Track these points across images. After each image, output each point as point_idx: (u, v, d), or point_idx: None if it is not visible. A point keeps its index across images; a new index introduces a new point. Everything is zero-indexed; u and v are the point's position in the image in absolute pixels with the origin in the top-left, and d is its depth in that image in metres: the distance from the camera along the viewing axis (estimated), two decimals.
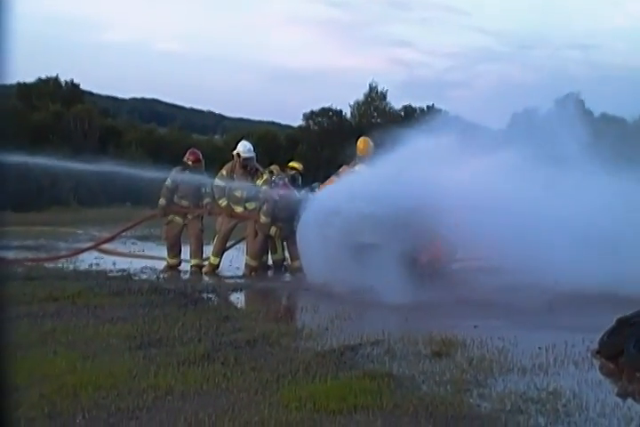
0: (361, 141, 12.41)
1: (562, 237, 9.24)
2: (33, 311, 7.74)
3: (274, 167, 12.61)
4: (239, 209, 12.02)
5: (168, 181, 12.11)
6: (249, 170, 12.20)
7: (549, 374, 5.76)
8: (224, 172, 12.14)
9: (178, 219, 12.20)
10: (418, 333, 6.94)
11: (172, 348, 6.40)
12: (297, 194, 11.73)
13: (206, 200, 12.14)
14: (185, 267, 12.24)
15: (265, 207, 11.62)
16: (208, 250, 12.25)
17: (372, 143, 12.26)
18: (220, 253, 12.12)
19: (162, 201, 12.13)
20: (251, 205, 11.97)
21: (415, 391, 5.21)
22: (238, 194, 12.06)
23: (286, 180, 11.90)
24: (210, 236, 12.50)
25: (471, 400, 5.08)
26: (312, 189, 11.91)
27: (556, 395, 5.17)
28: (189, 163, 12.20)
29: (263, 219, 11.63)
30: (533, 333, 7.23)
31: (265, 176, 11.99)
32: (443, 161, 10.36)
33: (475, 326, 7.38)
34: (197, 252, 12.16)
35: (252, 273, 11.65)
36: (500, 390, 5.29)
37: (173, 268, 12.18)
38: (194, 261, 12.15)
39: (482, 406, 4.96)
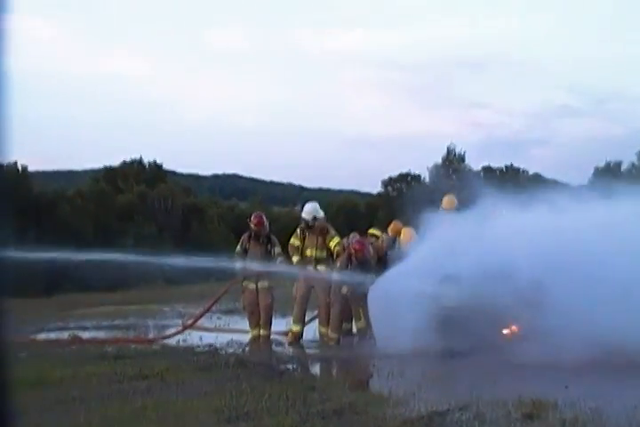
0: (446, 199, 12.51)
1: None
2: (124, 389, 7.87)
3: (353, 235, 12.74)
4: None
5: (238, 248, 12.44)
6: (318, 231, 12.26)
7: None
8: (298, 231, 12.34)
9: (252, 285, 12.34)
10: (507, 395, 6.80)
11: (261, 420, 6.40)
12: (371, 252, 11.76)
13: (279, 259, 12.29)
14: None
15: (338, 264, 11.65)
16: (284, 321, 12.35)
17: (456, 200, 12.32)
18: (300, 319, 12.17)
19: (238, 264, 12.36)
20: (322, 268, 12.11)
21: None
22: (309, 253, 12.21)
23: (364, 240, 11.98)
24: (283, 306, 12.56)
25: None
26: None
27: None
28: (252, 226, 12.41)
29: (335, 275, 11.64)
30: (627, 391, 7.01)
31: (337, 239, 12.10)
32: (528, 219, 10.31)
33: (566, 387, 7.20)
34: (267, 323, 12.26)
35: (332, 343, 11.63)
36: None
37: (257, 339, 12.26)
38: (262, 332, 12.24)
39: None
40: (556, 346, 8.62)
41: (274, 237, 12.54)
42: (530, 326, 9.68)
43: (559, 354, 8.54)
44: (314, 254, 12.20)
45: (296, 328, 12.13)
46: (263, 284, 12.34)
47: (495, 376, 7.83)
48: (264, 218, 12.56)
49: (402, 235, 12.40)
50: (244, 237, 12.49)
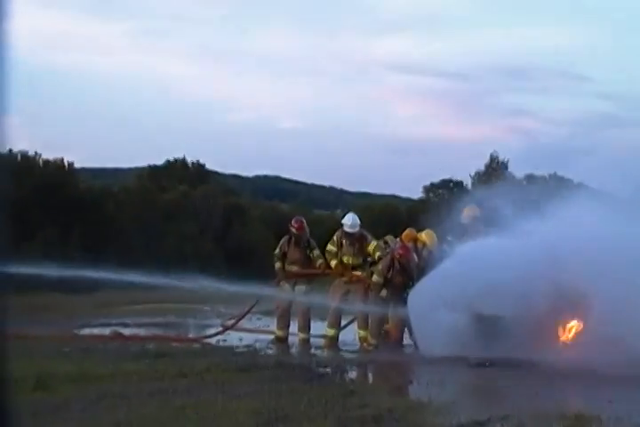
0: (467, 209, 12.47)
1: None
2: (164, 388, 7.90)
3: (389, 237, 12.74)
4: (346, 278, 12.14)
5: (277, 250, 12.52)
6: (356, 238, 12.24)
7: None
8: (335, 238, 12.32)
9: (287, 286, 12.42)
10: (549, 407, 6.71)
11: (299, 424, 6.38)
12: (415, 259, 11.72)
13: (319, 261, 12.35)
14: (293, 340, 12.39)
15: (380, 266, 11.62)
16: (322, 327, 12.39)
17: (478, 212, 12.25)
18: (335, 324, 12.20)
19: (277, 264, 12.50)
20: (359, 273, 12.10)
21: None
22: (345, 260, 12.20)
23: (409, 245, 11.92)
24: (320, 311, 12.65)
25: None
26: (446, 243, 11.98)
27: None
28: (293, 230, 12.45)
29: (376, 278, 11.59)
30: None
31: (375, 242, 12.09)
32: (572, 228, 10.19)
33: (609, 402, 7.07)
34: (304, 326, 12.32)
35: (371, 348, 11.60)
36: None
37: (281, 340, 12.30)
38: (301, 335, 12.31)
39: None
40: (599, 358, 8.50)
41: (313, 241, 12.63)
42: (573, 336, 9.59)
43: (603, 366, 8.43)
44: (351, 261, 12.22)
45: (331, 333, 12.16)
46: (300, 288, 12.39)
47: (537, 388, 7.71)
48: (305, 223, 12.62)
49: (426, 238, 12.34)
50: (284, 240, 12.56)
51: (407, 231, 12.82)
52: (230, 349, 11.58)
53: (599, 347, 8.76)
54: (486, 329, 9.91)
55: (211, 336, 12.82)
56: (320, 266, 12.39)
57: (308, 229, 12.59)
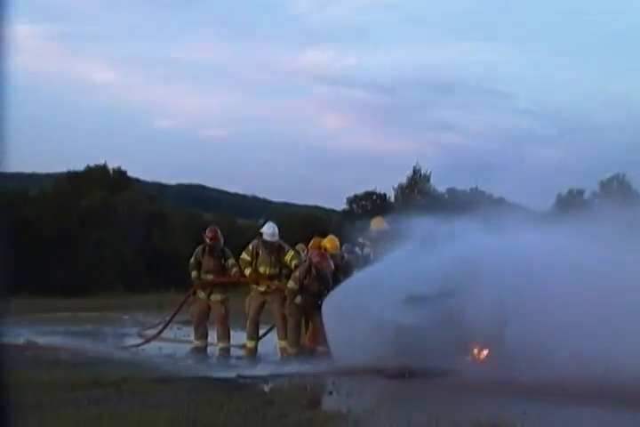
0: (374, 220, 12.84)
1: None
2: (78, 398, 7.73)
3: (299, 246, 12.79)
4: (263, 287, 12.11)
5: (192, 260, 12.51)
6: (274, 247, 12.25)
7: None
8: (250, 247, 12.28)
9: (202, 295, 12.38)
10: (465, 417, 6.79)
11: None
12: (331, 265, 11.77)
13: (234, 270, 12.31)
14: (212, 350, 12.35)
15: (297, 273, 11.62)
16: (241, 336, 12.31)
17: (385, 224, 12.61)
18: (254, 336, 12.18)
19: (193, 273, 12.50)
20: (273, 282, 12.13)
21: None
22: (262, 270, 12.18)
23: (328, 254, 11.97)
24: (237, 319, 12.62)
25: None
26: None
27: None
28: (207, 240, 12.44)
29: (291, 284, 11.60)
30: (586, 419, 7.02)
31: (292, 252, 12.12)
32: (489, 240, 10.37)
33: (524, 413, 7.19)
34: (224, 336, 12.29)
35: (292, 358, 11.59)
36: None
37: (200, 350, 12.20)
38: (221, 345, 12.26)
39: None
40: (515, 369, 8.65)
41: (227, 250, 12.63)
42: (490, 347, 9.73)
43: (518, 377, 8.57)
44: (267, 271, 12.20)
45: (250, 344, 12.13)
46: (216, 297, 12.34)
47: (454, 398, 7.82)
48: (219, 232, 12.58)
49: (327, 244, 12.46)
50: (199, 249, 12.56)
51: (314, 240, 12.89)
52: (149, 358, 11.42)
53: (514, 361, 8.90)
54: (404, 340, 9.99)
55: (136, 346, 12.63)
56: (235, 274, 12.33)
57: (222, 239, 12.57)
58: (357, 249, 12.82)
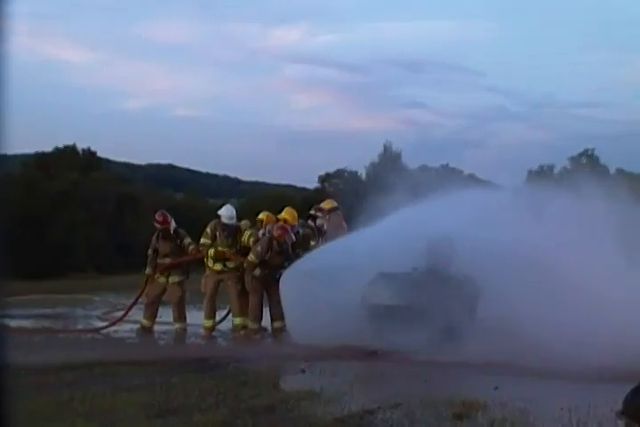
0: (326, 203, 13.10)
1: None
2: (50, 381, 7.71)
3: (244, 223, 12.68)
4: (218, 267, 12.11)
5: (149, 251, 12.44)
6: (233, 229, 12.27)
7: None
8: (208, 230, 12.25)
9: (162, 279, 12.32)
10: (437, 395, 6.86)
11: (191, 416, 6.32)
12: (292, 238, 11.77)
13: (191, 248, 12.33)
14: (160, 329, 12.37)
15: (258, 248, 11.63)
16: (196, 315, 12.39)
17: (335, 204, 12.95)
18: (211, 315, 12.18)
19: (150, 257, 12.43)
20: (231, 264, 12.12)
21: None
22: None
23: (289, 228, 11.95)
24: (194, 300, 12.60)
25: None
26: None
27: None
28: (158, 225, 12.39)
29: (252, 257, 11.59)
30: (556, 394, 7.11)
31: (250, 231, 12.12)
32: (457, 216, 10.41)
33: (495, 388, 7.27)
34: (180, 317, 12.26)
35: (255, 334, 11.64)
36: None
37: (146, 330, 12.18)
38: (177, 325, 12.23)
39: None
40: (487, 346, 8.72)
41: (181, 231, 12.57)
42: (462, 325, 9.79)
43: (490, 355, 8.64)
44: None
45: (208, 324, 12.13)
46: (174, 278, 12.28)
47: (426, 376, 7.88)
48: (168, 216, 12.48)
49: (286, 215, 12.50)
50: (154, 238, 12.45)
51: (267, 215, 12.88)
52: (121, 340, 11.39)
53: (487, 337, 8.98)
54: (377, 318, 10.04)
55: (104, 328, 12.56)
56: (191, 252, 12.32)
57: (172, 221, 12.46)
58: (310, 221, 12.80)
